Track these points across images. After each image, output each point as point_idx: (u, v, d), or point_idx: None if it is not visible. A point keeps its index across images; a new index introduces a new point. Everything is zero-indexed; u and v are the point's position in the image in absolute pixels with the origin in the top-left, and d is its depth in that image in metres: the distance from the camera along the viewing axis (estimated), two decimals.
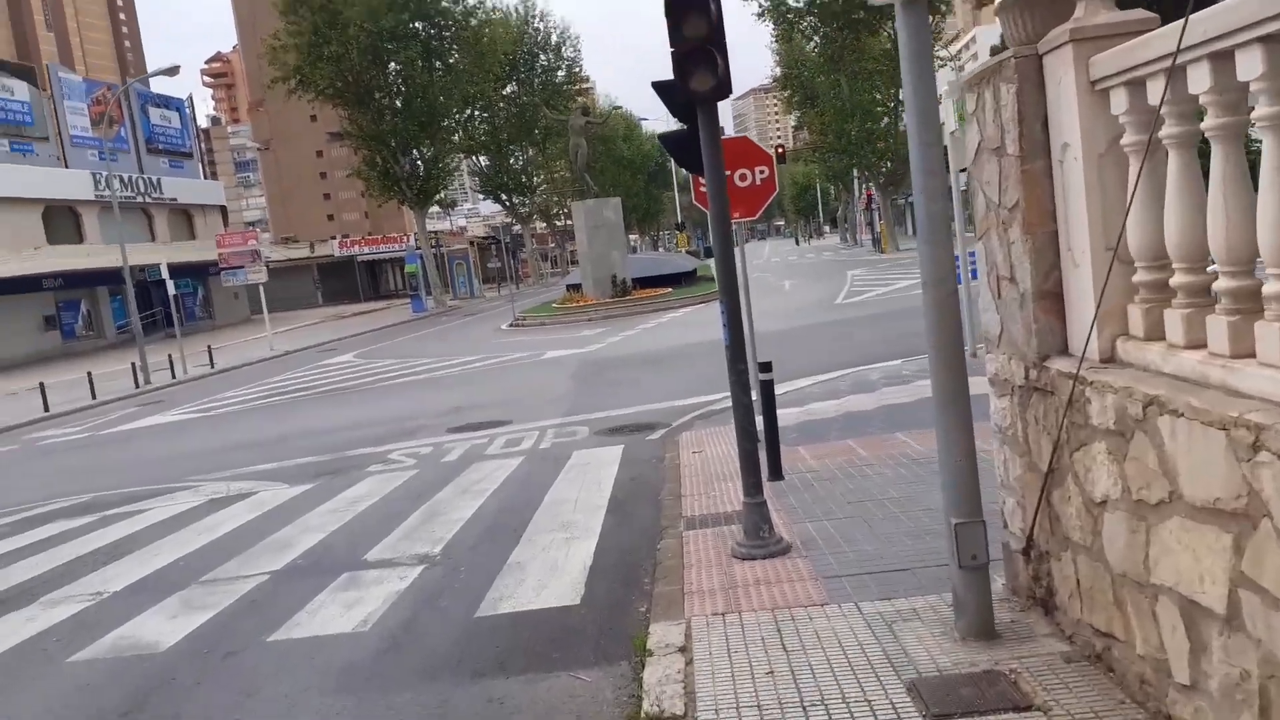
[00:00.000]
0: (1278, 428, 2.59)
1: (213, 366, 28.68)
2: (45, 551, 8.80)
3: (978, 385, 4.54)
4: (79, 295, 44.66)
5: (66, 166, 45.43)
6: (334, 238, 73.20)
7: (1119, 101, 3.44)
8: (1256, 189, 2.84)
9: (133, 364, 26.29)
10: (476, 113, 55.92)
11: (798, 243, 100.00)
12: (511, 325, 31.32)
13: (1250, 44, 2.67)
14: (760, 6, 47.11)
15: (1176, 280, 3.34)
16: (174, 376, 26.71)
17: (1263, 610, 2.73)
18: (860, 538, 6.04)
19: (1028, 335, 4.18)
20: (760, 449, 6.49)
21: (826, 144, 53.79)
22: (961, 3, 54.09)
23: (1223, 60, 2.84)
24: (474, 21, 48.88)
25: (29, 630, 6.56)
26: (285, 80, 43.94)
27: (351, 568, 7.11)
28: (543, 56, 61.81)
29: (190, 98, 58.63)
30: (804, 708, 3.80)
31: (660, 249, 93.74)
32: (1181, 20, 2.90)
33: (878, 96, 49.24)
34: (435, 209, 68.00)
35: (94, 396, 23.50)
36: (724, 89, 5.65)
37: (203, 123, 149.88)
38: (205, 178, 64.98)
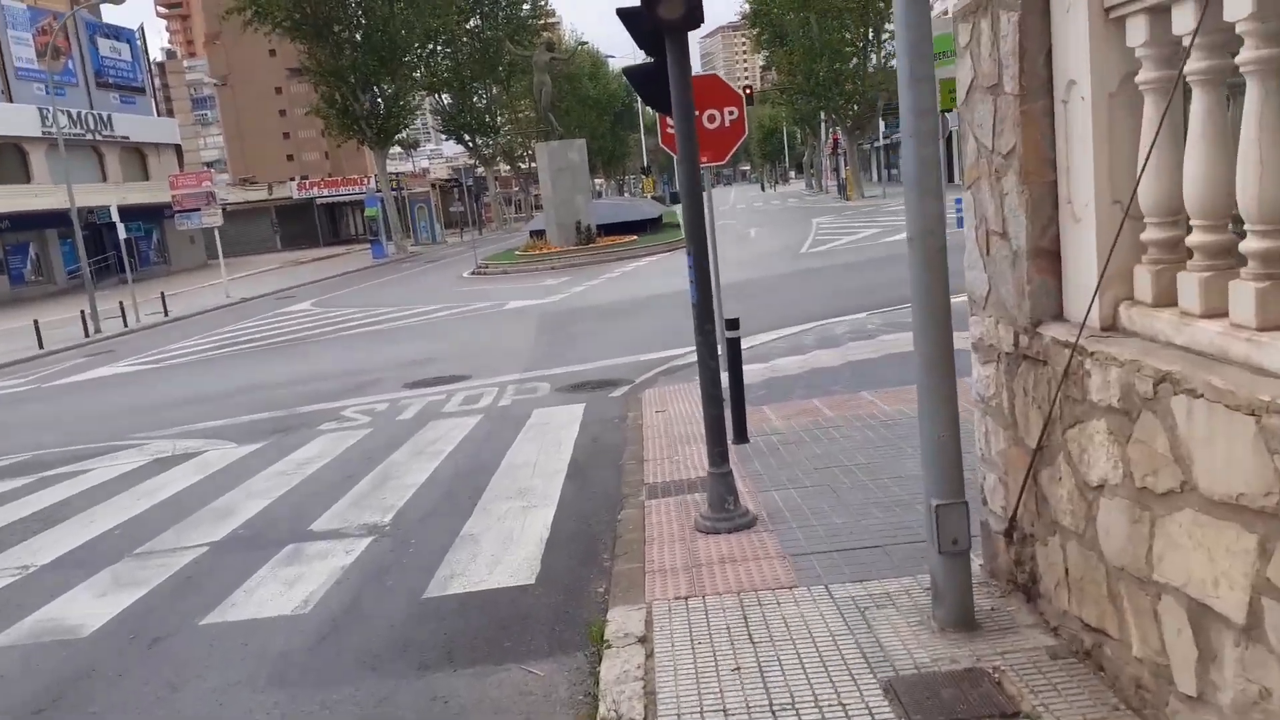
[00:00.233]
0: None
1: (166, 314, 27.86)
2: None
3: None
4: (27, 238, 43.20)
5: (11, 100, 43.50)
6: (293, 179, 71.40)
7: (1137, 32, 3.02)
8: None
9: (82, 311, 25.42)
10: (439, 48, 54.41)
11: (763, 188, 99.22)
12: (474, 273, 30.64)
13: None
14: None
15: (1195, 239, 2.96)
16: (126, 325, 25.89)
17: None
18: (828, 509, 5.71)
19: (1019, 297, 3.80)
20: (725, 409, 6.12)
21: (795, 85, 52.93)
22: None
23: None
24: None
25: None
26: (241, 11, 42.30)
27: (296, 539, 6.70)
28: None
29: (142, 28, 56.03)
30: (773, 712, 3.46)
31: (626, 194, 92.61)
32: None
33: (847, 36, 48.40)
34: (397, 150, 66.51)
35: (41, 346, 22.69)
36: (695, 16, 5.17)
37: (157, 56, 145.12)
38: (159, 114, 62.75)
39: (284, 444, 9.86)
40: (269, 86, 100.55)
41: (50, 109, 33.56)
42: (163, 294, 30.10)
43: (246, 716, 4.29)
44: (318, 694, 4.40)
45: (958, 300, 3.95)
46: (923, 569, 4.70)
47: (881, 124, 66.56)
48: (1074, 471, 3.53)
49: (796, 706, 3.48)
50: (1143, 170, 3.02)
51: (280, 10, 42.32)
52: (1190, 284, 2.96)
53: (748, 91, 45.42)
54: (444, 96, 60.44)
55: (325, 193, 66.27)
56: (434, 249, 50.74)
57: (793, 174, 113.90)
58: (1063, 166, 3.51)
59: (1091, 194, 3.32)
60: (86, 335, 24.38)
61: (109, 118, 48.87)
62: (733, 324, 7.46)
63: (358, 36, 45.19)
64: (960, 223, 5.59)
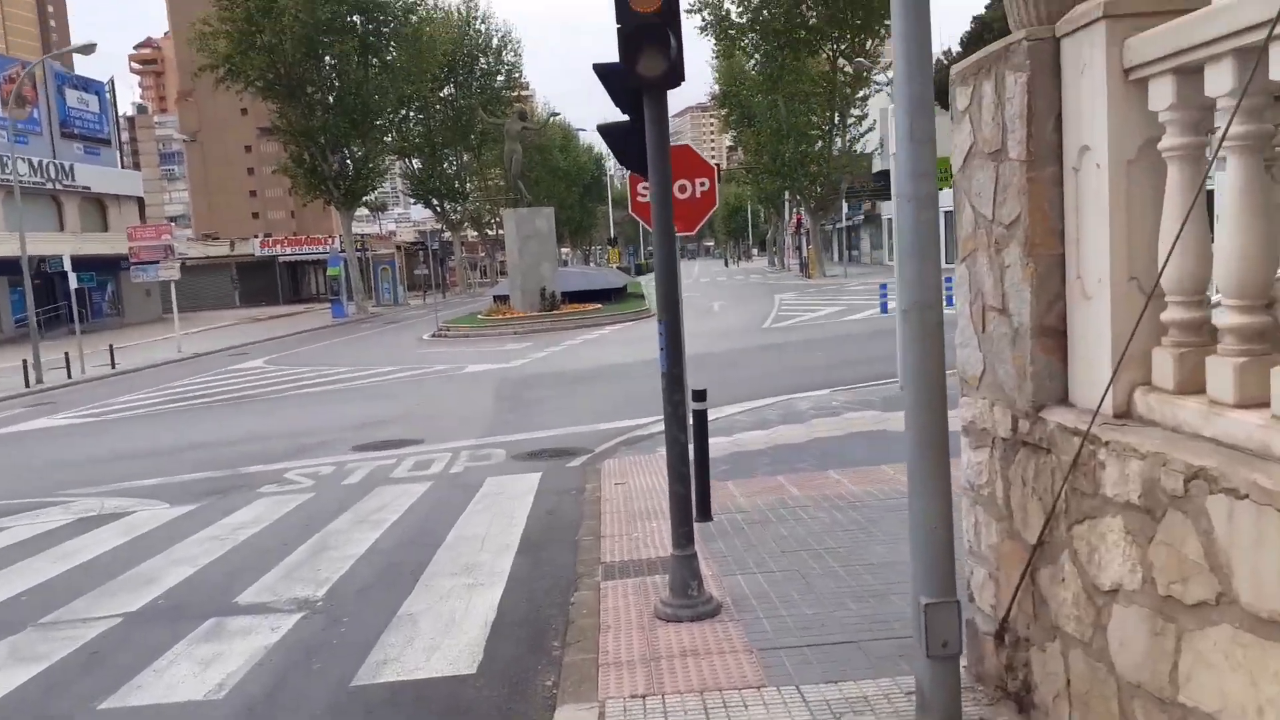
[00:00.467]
0: None
1: (114, 367, 26.96)
2: None
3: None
4: None
5: None
6: (256, 236, 70.72)
7: (1162, 94, 2.77)
8: None
9: (24, 361, 24.51)
10: (411, 113, 54.54)
11: (726, 264, 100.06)
12: (434, 335, 30.13)
13: None
14: (704, 20, 46.74)
15: (1228, 320, 2.67)
16: (70, 376, 24.96)
17: None
18: (798, 597, 5.32)
19: (1020, 378, 3.49)
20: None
21: (761, 165, 53.63)
22: None
23: None
24: (414, 19, 47.59)
25: None
26: (214, 69, 42.04)
27: (219, 612, 6.15)
28: (483, 59, 60.68)
29: (111, 81, 55.63)
30: None
31: (592, 264, 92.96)
32: None
33: (814, 119, 49.23)
34: (364, 211, 66.23)
35: None
36: (676, 74, 4.92)
37: (129, 110, 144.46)
38: (125, 167, 62.07)
39: (219, 506, 9.28)
40: (238, 144, 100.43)
41: (9, 156, 33.01)
42: (111, 346, 29.19)
43: None
44: None
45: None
46: (902, 669, 4.32)
47: (844, 205, 67.67)
48: (1081, 573, 3.18)
49: None
50: (1173, 246, 2.73)
51: (254, 70, 42.15)
52: (1223, 370, 2.66)
53: (716, 168, 45.95)
54: (414, 161, 60.50)
55: (288, 251, 65.59)
56: (395, 310, 50.16)
57: (755, 251, 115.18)
58: (1071, 238, 3.24)
59: (1106, 269, 3.04)
60: (27, 385, 23.47)
61: (71, 167, 48.14)
62: (700, 395, 7.12)
63: (330, 98, 45.08)
64: (950, 299, 5.31)
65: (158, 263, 31.69)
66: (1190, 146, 2.78)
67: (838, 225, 76.39)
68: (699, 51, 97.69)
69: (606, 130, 5.77)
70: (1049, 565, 3.40)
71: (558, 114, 77.02)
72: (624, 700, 4.14)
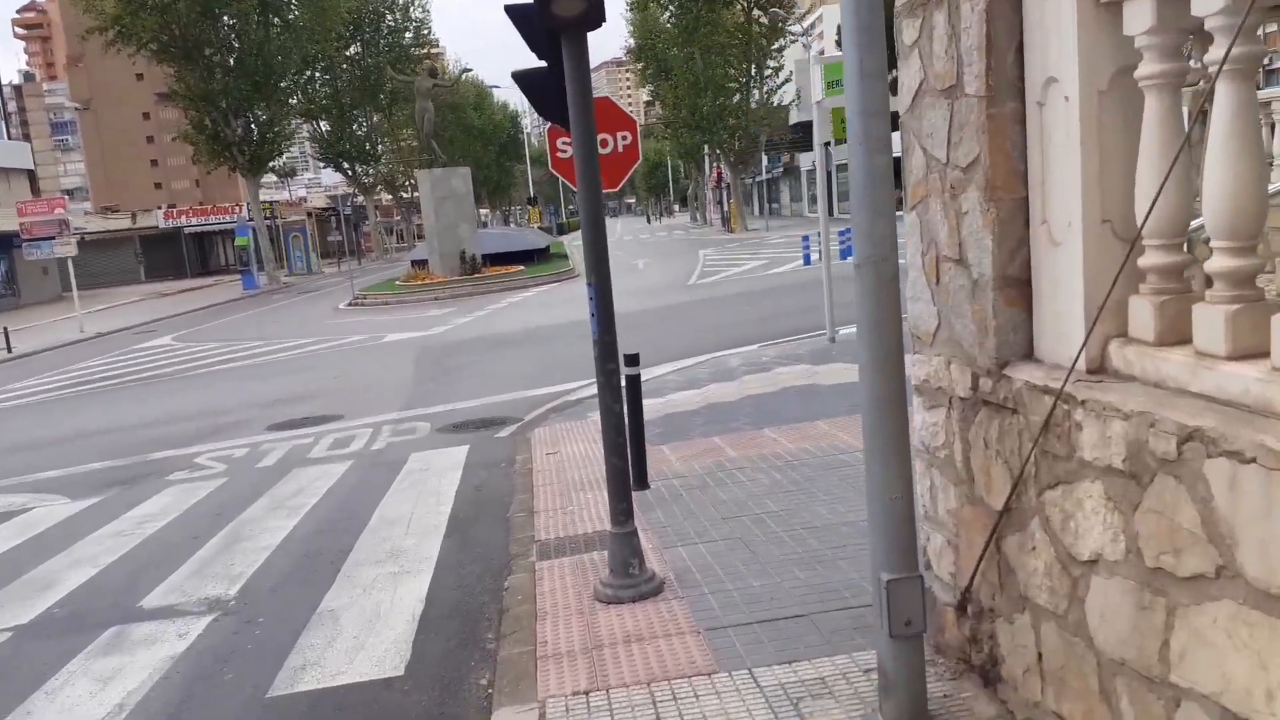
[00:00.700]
0: None
1: (10, 351, 25.54)
2: None
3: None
4: None
5: None
6: (159, 207, 67.80)
7: (1139, 16, 2.48)
8: None
9: None
10: (317, 74, 52.55)
11: (649, 221, 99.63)
12: (350, 304, 29.18)
13: None
14: None
15: (1217, 264, 2.42)
16: None
17: None
18: (743, 568, 5.06)
19: (981, 333, 3.22)
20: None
21: (679, 119, 53.11)
22: None
23: None
24: None
25: None
26: (103, 31, 39.68)
27: (122, 618, 5.67)
28: (390, 16, 58.71)
29: None
30: None
31: (512, 224, 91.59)
32: None
33: (731, 71, 48.85)
34: (272, 178, 64.17)
35: None
36: (596, 13, 4.51)
37: (14, 79, 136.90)
38: (13, 138, 58.75)
39: (125, 498, 8.69)
40: (136, 111, 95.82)
41: None
42: (4, 329, 27.66)
43: None
44: None
45: None
46: (858, 644, 4.09)
47: (764, 158, 67.62)
48: (1054, 541, 2.95)
49: None
50: (1162, 184, 2.46)
51: (146, 31, 39.90)
52: (1213, 319, 2.41)
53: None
54: (322, 124, 58.48)
55: (194, 221, 63.00)
56: (309, 280, 48.62)
57: (677, 207, 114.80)
58: (1036, 181, 2.96)
59: (1077, 211, 2.77)
60: None
61: None
62: (633, 359, 6.77)
63: (230, 60, 43.02)
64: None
65: (53, 238, 30.02)
66: (1170, 74, 2.51)
67: (757, 179, 76.42)
68: (613, 4, 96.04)
69: (522, 77, 5.32)
70: (1017, 533, 3.17)
71: (470, 70, 75.04)
72: (565, 699, 3.83)
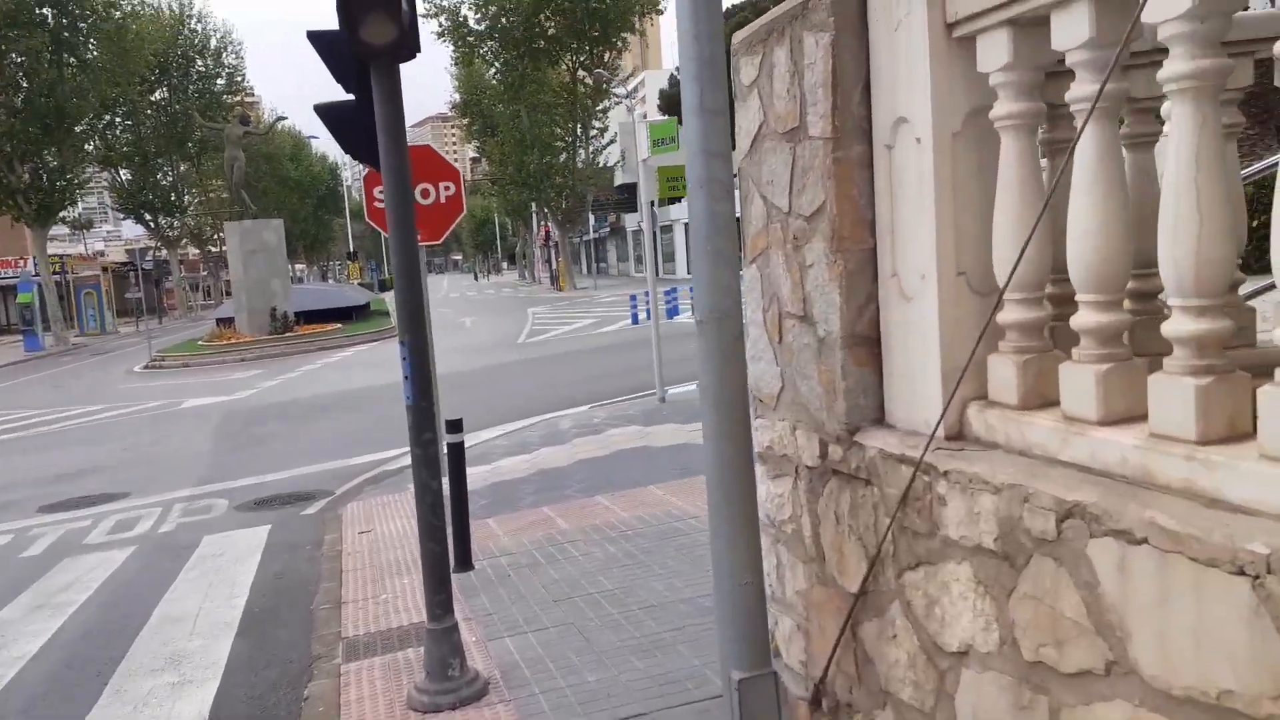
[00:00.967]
0: None
1: None
2: None
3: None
4: None
5: None
6: None
7: (994, 51, 2.28)
8: None
9: None
10: (118, 119, 49.34)
11: (476, 278, 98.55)
12: (147, 367, 26.97)
13: None
14: (440, 26, 45.30)
15: (1086, 320, 2.20)
16: None
17: None
18: (576, 659, 4.61)
19: (829, 396, 2.94)
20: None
21: (506, 175, 52.90)
22: (636, 39, 55.24)
23: None
24: (117, 14, 42.82)
25: None
26: None
27: None
28: (200, 61, 55.93)
29: None
30: None
31: (330, 280, 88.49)
32: None
33: (557, 130, 49.13)
34: (64, 230, 59.44)
35: None
36: (408, 43, 4.07)
37: None
38: None
39: None
40: None
41: None
42: None
43: None
44: None
45: None
46: None
47: (591, 218, 68.27)
48: (917, 629, 2.66)
49: None
50: (1028, 235, 2.23)
51: None
52: (1083, 380, 2.19)
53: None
54: (123, 172, 54.83)
55: None
56: (103, 340, 44.97)
57: (505, 264, 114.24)
58: (885, 229, 2.72)
59: (931, 263, 2.53)
60: None
61: None
62: (455, 425, 6.25)
63: (17, 100, 39.74)
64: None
65: None
66: (1027, 114, 2.32)
67: (585, 238, 77.00)
68: (438, 59, 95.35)
69: (327, 111, 4.77)
70: (875, 618, 2.88)
71: (285, 118, 72.32)
72: None
